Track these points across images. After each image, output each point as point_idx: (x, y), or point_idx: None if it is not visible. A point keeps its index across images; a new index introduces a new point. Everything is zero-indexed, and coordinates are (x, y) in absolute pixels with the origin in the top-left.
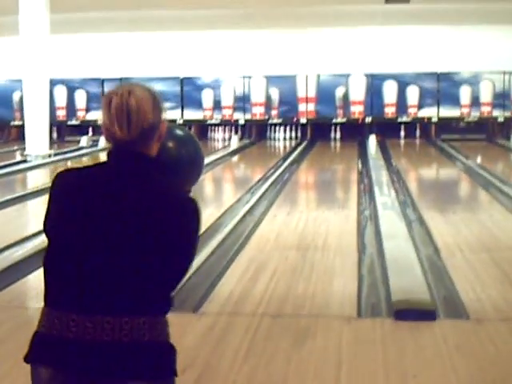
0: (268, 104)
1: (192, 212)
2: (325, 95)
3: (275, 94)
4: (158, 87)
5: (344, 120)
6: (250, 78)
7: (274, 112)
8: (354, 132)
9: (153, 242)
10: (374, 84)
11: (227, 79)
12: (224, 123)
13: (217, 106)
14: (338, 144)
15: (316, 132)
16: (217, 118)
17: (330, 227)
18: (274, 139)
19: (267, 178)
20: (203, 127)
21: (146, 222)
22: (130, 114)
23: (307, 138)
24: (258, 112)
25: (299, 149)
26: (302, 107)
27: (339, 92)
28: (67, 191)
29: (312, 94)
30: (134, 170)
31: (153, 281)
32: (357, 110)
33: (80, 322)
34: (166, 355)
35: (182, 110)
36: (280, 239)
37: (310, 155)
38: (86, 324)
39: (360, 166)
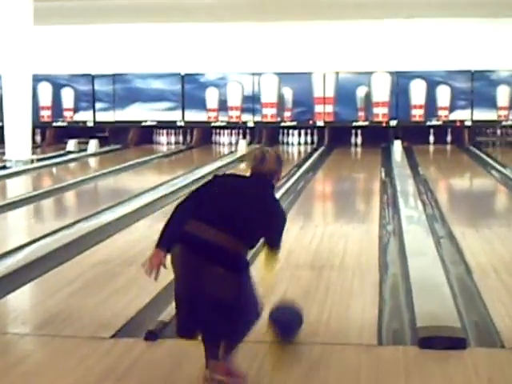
0: (280, 105)
1: (280, 211)
2: (344, 95)
3: (288, 94)
4: (155, 85)
5: (366, 123)
6: (260, 75)
7: (287, 114)
8: (377, 137)
9: (262, 217)
10: (400, 83)
11: (234, 76)
12: (230, 126)
13: (222, 106)
14: (359, 150)
15: (334, 136)
16: (222, 120)
17: (349, 244)
18: (287, 144)
19: (279, 188)
20: (207, 130)
21: (261, 210)
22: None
23: (324, 143)
24: (268, 113)
25: (315, 155)
26: (318, 108)
27: (361, 92)
28: (224, 182)
29: (330, 93)
30: (262, 185)
31: (260, 231)
32: (380, 113)
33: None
34: (237, 259)
35: (183, 111)
36: (292, 257)
37: (328, 162)
38: (212, 231)
39: (383, 174)
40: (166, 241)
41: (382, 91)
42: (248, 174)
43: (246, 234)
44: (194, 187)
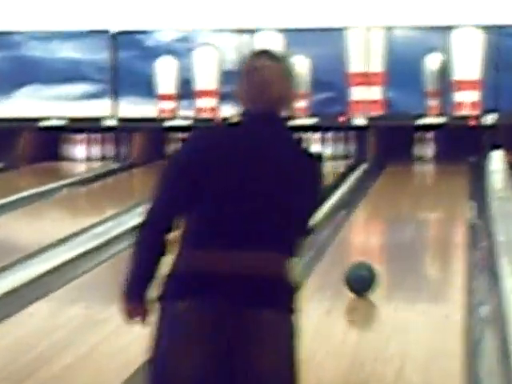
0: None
1: (319, 170)
2: (402, 70)
3: (303, 67)
4: (63, 52)
5: (441, 120)
6: (252, 33)
7: (300, 103)
8: (462, 145)
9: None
10: (502, 48)
11: (206, 37)
12: (200, 126)
13: (186, 90)
14: (430, 169)
15: (385, 144)
16: (186, 115)
17: (412, 340)
18: None
19: None
20: (157, 135)
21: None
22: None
23: (368, 155)
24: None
25: (351, 178)
26: (356, 94)
27: (432, 63)
28: (213, 155)
29: (377, 67)
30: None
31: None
32: (467, 101)
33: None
34: (293, 292)
35: (116, 99)
36: (311, 364)
37: (374, 192)
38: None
39: (473, 214)
40: (144, 286)
41: (469, 61)
42: (240, 118)
43: (292, 234)
44: (135, 242)
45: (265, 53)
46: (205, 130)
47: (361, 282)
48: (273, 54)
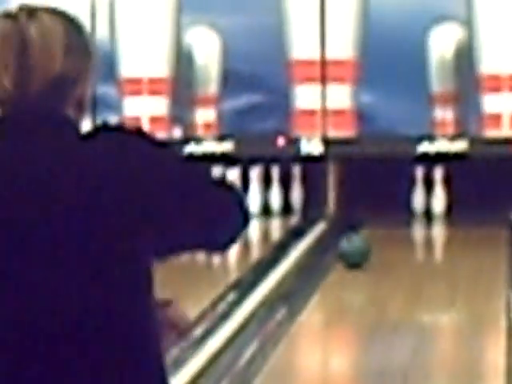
0: (183, 85)
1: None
2: (389, 57)
3: (208, 48)
4: None
5: (461, 146)
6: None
7: (202, 114)
8: (496, 188)
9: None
10: None
11: None
12: None
13: None
14: (439, 232)
15: (358, 189)
16: None
17: None
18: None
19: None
20: None
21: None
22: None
23: (327, 208)
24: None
25: (297, 249)
26: (305, 97)
27: (442, 45)
28: None
29: (342, 50)
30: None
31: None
32: (504, 111)
33: None
34: None
35: None
36: None
37: (337, 276)
38: None
39: None
40: None
41: (506, 43)
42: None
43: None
44: None
45: (31, 10)
46: None
47: (356, 255)
48: (47, 10)
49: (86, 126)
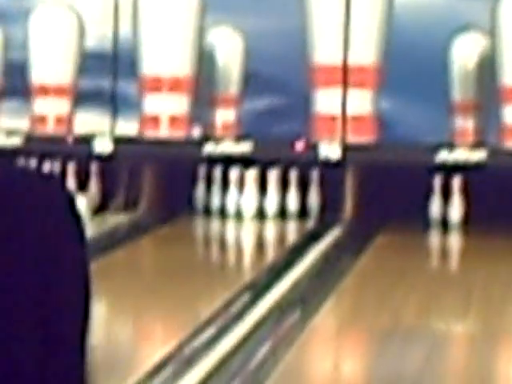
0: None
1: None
2: (410, 64)
3: (230, 49)
4: None
5: (481, 156)
6: None
7: (222, 115)
8: None
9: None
10: None
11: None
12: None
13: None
14: (457, 241)
15: (375, 194)
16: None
17: None
18: (221, 213)
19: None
20: None
21: None
22: None
23: (343, 213)
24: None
25: (313, 254)
26: (325, 101)
27: (464, 53)
28: None
29: (364, 56)
30: None
31: None
32: None
33: None
34: None
35: None
36: None
37: (353, 281)
38: None
39: None
40: None
41: None
42: None
43: None
44: None
45: None
46: None
47: None
48: None
49: (104, 123)
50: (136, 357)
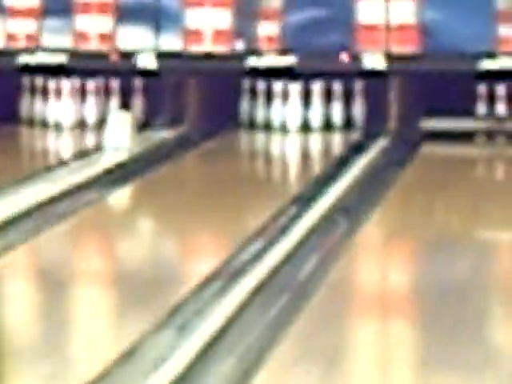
0: None
1: None
2: None
3: None
4: None
5: None
6: None
7: (263, 28)
8: None
9: None
10: None
11: None
12: (85, 68)
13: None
14: (505, 150)
15: (420, 103)
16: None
17: None
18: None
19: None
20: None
21: None
22: None
23: (388, 123)
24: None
25: (358, 164)
26: (368, 12)
27: None
28: None
29: None
30: None
31: None
32: None
33: None
34: None
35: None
36: None
37: (399, 190)
38: None
39: None
40: None
41: None
42: None
43: None
44: None
45: None
46: None
47: None
48: None
49: (148, 39)
50: (184, 271)
